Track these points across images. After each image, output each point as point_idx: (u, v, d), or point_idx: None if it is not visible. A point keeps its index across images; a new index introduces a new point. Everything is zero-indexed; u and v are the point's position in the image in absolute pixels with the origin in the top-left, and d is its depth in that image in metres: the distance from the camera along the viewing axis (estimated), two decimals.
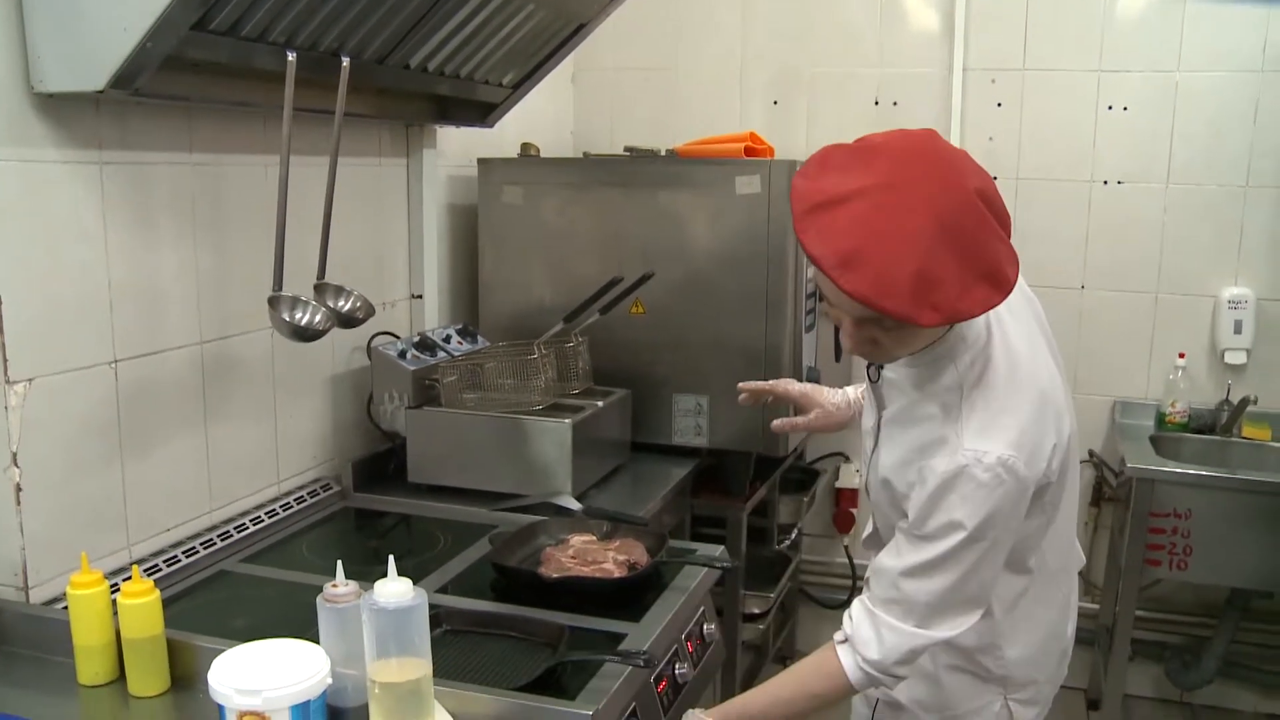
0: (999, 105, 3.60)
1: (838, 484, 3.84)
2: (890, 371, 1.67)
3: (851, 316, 1.50)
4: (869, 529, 1.91)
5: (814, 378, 2.96)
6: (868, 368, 1.72)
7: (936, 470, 1.54)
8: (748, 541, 3.15)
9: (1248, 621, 3.48)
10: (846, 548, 3.89)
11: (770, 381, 2.10)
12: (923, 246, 1.36)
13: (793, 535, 3.48)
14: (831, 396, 2.07)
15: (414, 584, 1.44)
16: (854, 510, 3.83)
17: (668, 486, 2.77)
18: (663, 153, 3.02)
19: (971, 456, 1.51)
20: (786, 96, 3.74)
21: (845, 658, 1.64)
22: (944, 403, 1.59)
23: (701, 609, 2.13)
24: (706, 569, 2.14)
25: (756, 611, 3.18)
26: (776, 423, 1.98)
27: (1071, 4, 3.50)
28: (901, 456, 1.65)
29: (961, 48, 3.58)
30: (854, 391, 2.12)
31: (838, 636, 1.67)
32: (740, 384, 2.09)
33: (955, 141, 3.58)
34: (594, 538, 2.20)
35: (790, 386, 2.07)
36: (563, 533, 2.23)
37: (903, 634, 1.58)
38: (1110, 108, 3.53)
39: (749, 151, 2.91)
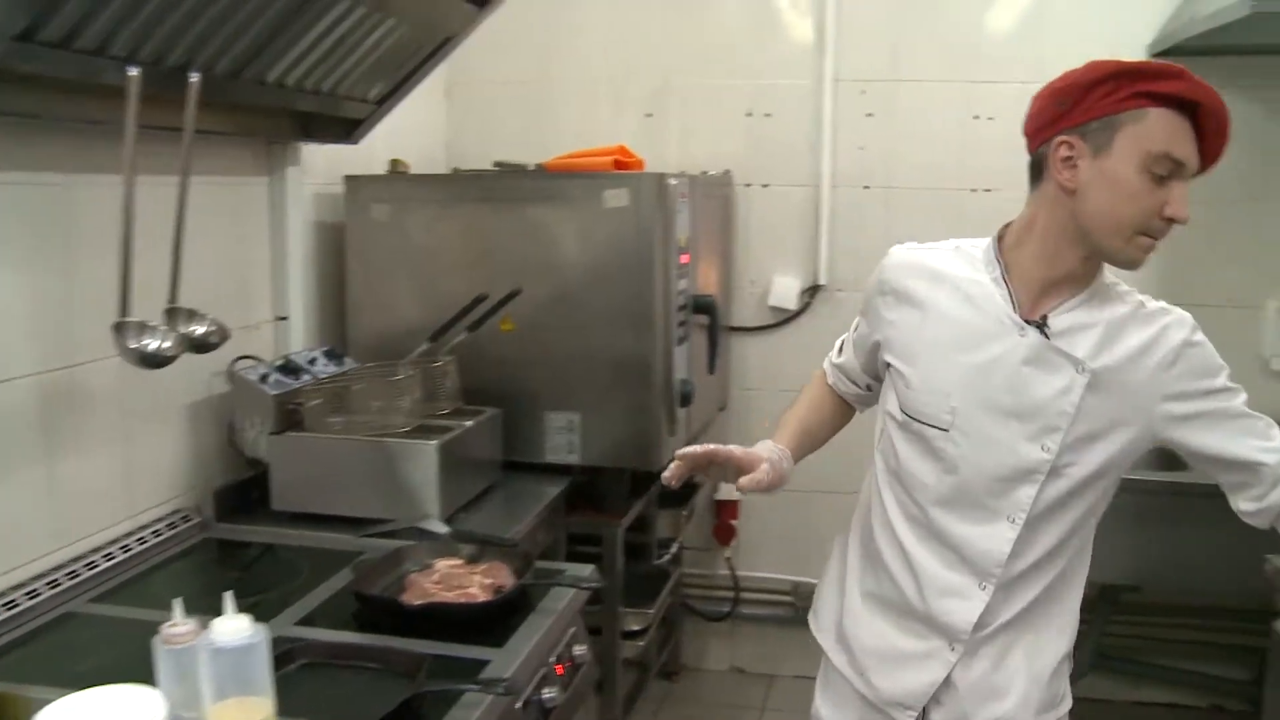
0: (870, 115, 3.64)
1: (717, 496, 3.84)
2: (1067, 317, 1.69)
3: (1191, 175, 1.61)
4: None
5: (688, 390, 2.95)
6: (1044, 325, 1.69)
7: (1178, 342, 1.68)
8: (627, 557, 3.13)
9: (1117, 615, 3.56)
10: (728, 560, 3.89)
11: (706, 447, 1.84)
12: None
13: (672, 549, 3.47)
14: (766, 452, 1.86)
15: (274, 616, 1.39)
16: (734, 522, 3.83)
17: (541, 505, 2.73)
18: (531, 167, 2.99)
19: (1184, 316, 1.71)
20: (660, 109, 3.74)
21: None
22: (1128, 301, 1.71)
23: (572, 630, 2.11)
24: (575, 590, 2.11)
25: (636, 629, 3.16)
26: (743, 481, 1.80)
27: (940, 16, 3.57)
28: (1129, 394, 1.68)
29: (832, 59, 3.62)
30: (773, 447, 1.90)
31: None
32: (678, 453, 1.85)
33: (826, 152, 3.63)
34: (461, 562, 2.15)
35: (732, 450, 1.84)
36: (428, 558, 2.18)
37: None
38: (978, 117, 3.59)
39: (618, 165, 2.90)
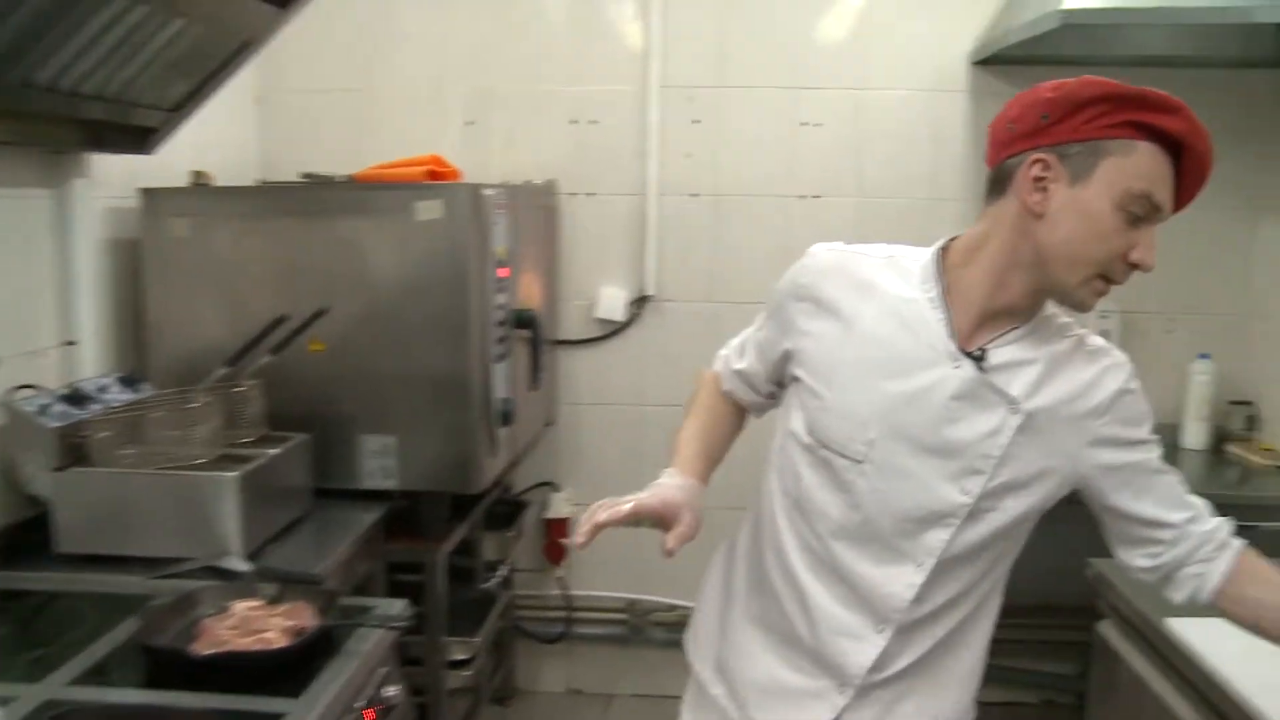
0: (697, 122, 3.60)
1: (546, 515, 3.74)
2: (1007, 350, 1.57)
3: (1163, 220, 1.50)
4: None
5: (508, 409, 2.85)
6: (982, 358, 1.55)
7: (1115, 390, 1.59)
8: (453, 582, 3.01)
9: None
10: (560, 579, 3.79)
11: (621, 510, 1.61)
12: None
13: (501, 572, 3.36)
14: (683, 496, 1.65)
15: (49, 674, 1.23)
16: (565, 541, 3.74)
17: (355, 534, 2.58)
18: (341, 179, 2.84)
19: (1124, 359, 1.62)
20: (482, 117, 3.63)
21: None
22: (1068, 335, 1.60)
23: (382, 670, 1.98)
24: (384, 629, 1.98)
25: (462, 657, 3.03)
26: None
27: (766, 23, 3.55)
28: (1059, 439, 1.58)
29: (659, 65, 3.57)
30: (683, 483, 1.69)
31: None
32: (596, 520, 1.61)
33: (653, 159, 3.57)
34: (261, 603, 2.00)
35: (650, 504, 1.62)
36: (226, 599, 2.02)
37: None
38: (804, 123, 3.58)
39: (432, 175, 2.78)
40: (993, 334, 1.56)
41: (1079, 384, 1.57)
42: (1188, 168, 1.46)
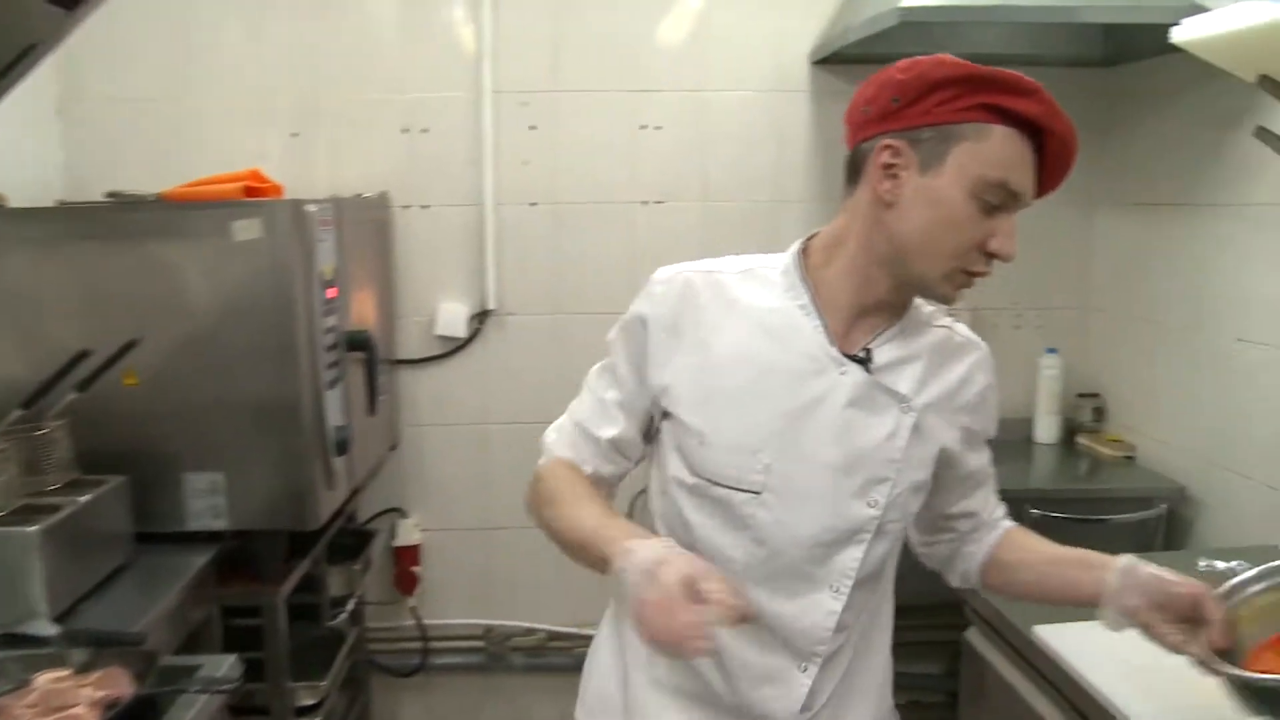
0: (533, 128, 3.47)
1: (395, 543, 3.56)
2: (888, 349, 1.50)
3: (1023, 208, 1.43)
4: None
5: (343, 438, 2.67)
6: (868, 360, 1.47)
7: (983, 386, 1.59)
8: (297, 622, 2.82)
9: None
10: (413, 609, 3.62)
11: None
12: None
13: (349, 607, 3.17)
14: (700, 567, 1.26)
15: None
16: (416, 569, 3.57)
17: (184, 581, 2.38)
18: (150, 198, 2.63)
19: (986, 349, 1.61)
20: (307, 127, 3.42)
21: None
22: (936, 324, 1.56)
23: None
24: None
25: (309, 703, 2.84)
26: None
27: (601, 24, 3.43)
28: (940, 433, 1.54)
29: (490, 69, 3.42)
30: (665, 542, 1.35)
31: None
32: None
33: (489, 167, 3.43)
34: (68, 672, 1.79)
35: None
36: (26, 671, 1.80)
37: None
38: (644, 127, 3.49)
39: (249, 192, 2.58)
40: (868, 333, 1.49)
41: (955, 378, 1.54)
42: (1051, 151, 1.40)
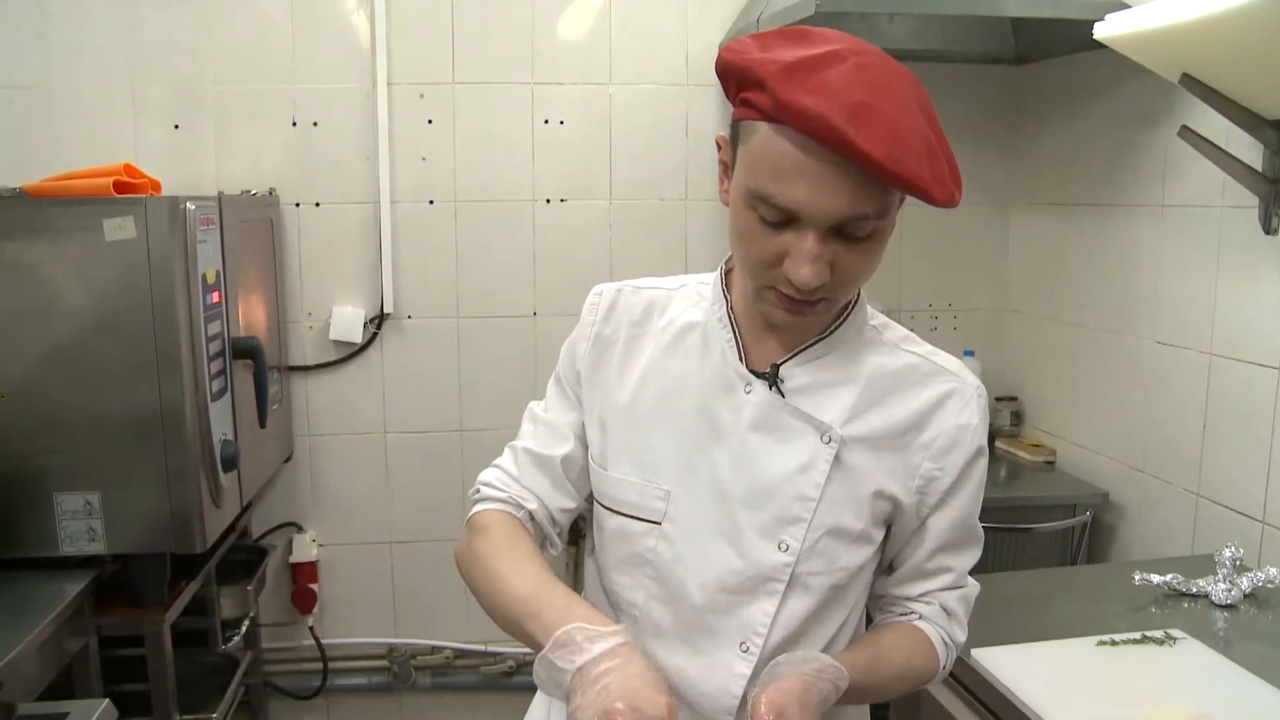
0: (430, 122, 3.31)
1: (292, 559, 3.37)
2: (809, 368, 1.31)
3: (821, 227, 1.14)
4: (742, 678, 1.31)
5: (230, 453, 2.50)
6: (774, 379, 1.29)
7: (953, 425, 1.32)
8: (188, 648, 2.70)
9: None
10: (312, 629, 3.45)
11: None
12: (918, 112, 1.12)
13: (242, 630, 2.99)
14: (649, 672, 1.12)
15: None
16: (314, 587, 3.39)
17: (54, 611, 2.20)
18: (10, 193, 2.42)
19: (976, 386, 1.35)
20: (190, 120, 3.21)
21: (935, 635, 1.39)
22: (900, 350, 1.35)
23: None
24: None
25: None
26: None
27: (498, 13, 3.28)
28: (890, 473, 1.31)
29: (385, 60, 3.25)
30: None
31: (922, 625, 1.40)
32: None
33: (384, 163, 3.26)
34: None
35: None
36: None
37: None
38: (547, 122, 3.36)
39: (121, 188, 2.39)
40: (785, 351, 1.32)
41: (909, 412, 1.31)
42: (854, 156, 1.07)
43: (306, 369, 3.33)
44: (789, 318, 1.23)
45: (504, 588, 1.25)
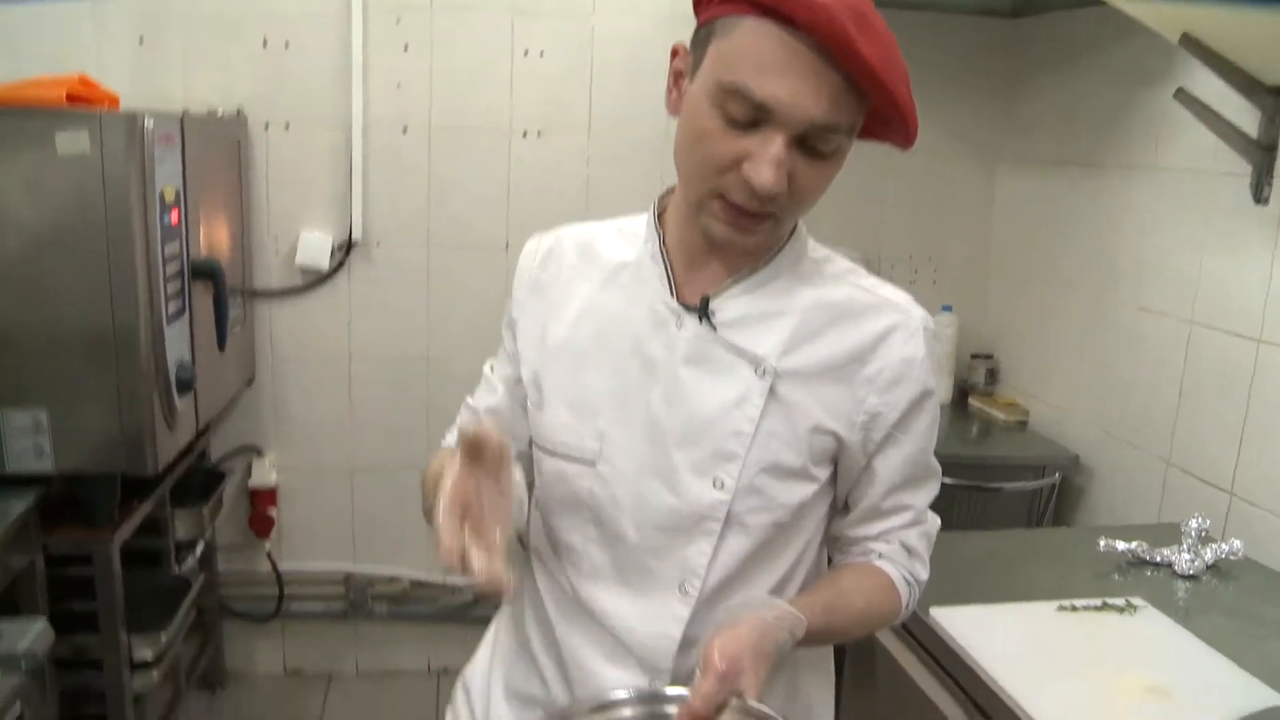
0: (406, 48, 3.21)
1: (251, 484, 3.33)
2: (741, 301, 1.26)
3: (792, 130, 1.10)
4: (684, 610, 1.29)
5: (185, 376, 2.45)
6: (704, 312, 1.24)
7: (898, 359, 1.26)
8: (141, 568, 2.67)
9: None
10: (269, 554, 3.41)
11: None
12: (898, 47, 1.11)
13: (197, 552, 2.95)
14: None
15: None
16: (273, 511, 3.35)
17: (1, 527, 2.16)
18: None
19: (921, 318, 1.30)
20: (155, 34, 3.09)
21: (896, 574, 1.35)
22: (840, 282, 1.30)
23: (14, 712, 1.60)
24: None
25: (148, 658, 2.63)
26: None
27: None
28: (830, 407, 1.26)
29: None
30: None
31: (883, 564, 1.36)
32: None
33: (358, 89, 3.17)
34: None
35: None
36: None
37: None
38: (527, 53, 3.27)
39: (74, 99, 2.30)
40: (715, 282, 1.27)
41: (849, 344, 1.26)
42: (857, 73, 1.07)
43: (271, 294, 3.26)
44: (731, 233, 1.18)
45: (427, 477, 1.33)
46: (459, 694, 1.53)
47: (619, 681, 1.28)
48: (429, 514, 1.22)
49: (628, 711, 1.18)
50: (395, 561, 3.50)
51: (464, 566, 1.02)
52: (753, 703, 1.10)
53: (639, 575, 1.29)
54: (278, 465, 3.37)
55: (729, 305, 1.26)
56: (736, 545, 1.27)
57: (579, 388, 1.30)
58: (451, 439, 1.42)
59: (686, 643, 1.26)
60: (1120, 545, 2.22)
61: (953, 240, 3.59)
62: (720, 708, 1.09)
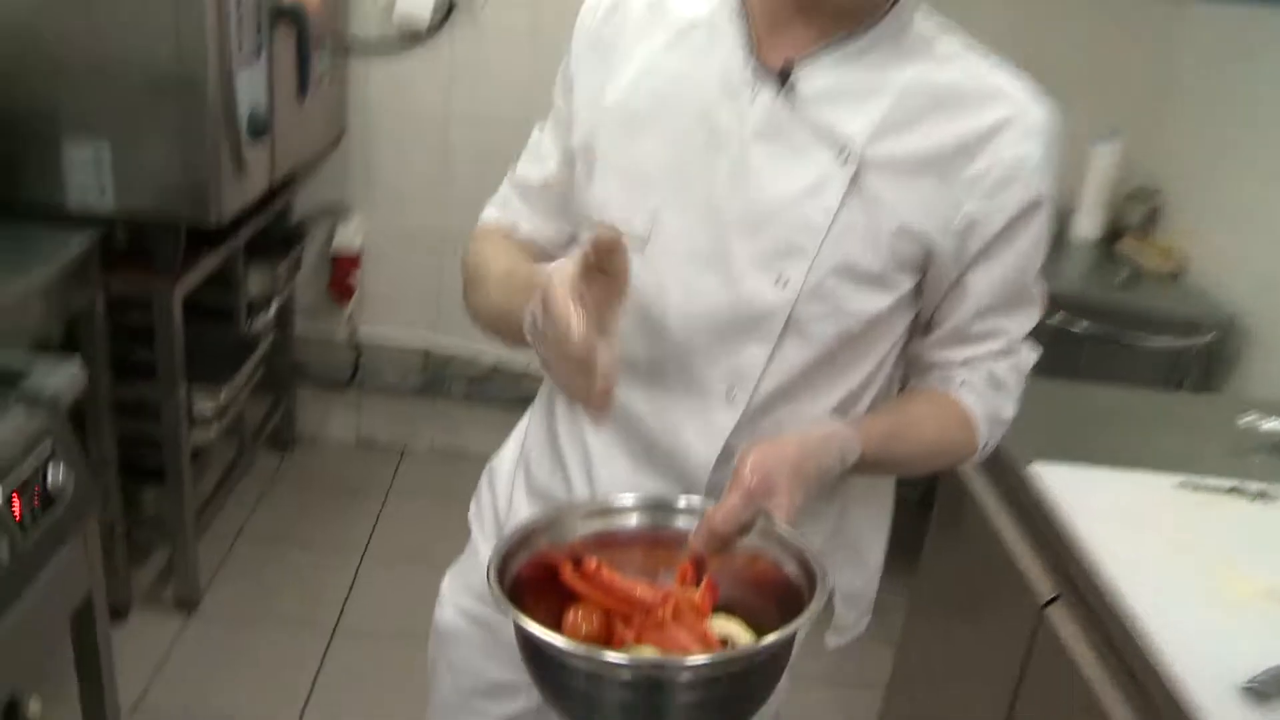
0: None
1: (334, 246, 3.20)
2: (831, 73, 1.06)
3: None
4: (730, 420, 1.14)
5: (259, 123, 2.28)
6: (785, 80, 1.05)
7: (1010, 157, 1.06)
8: (212, 324, 2.65)
9: None
10: (349, 320, 3.30)
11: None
12: None
13: (271, 310, 2.85)
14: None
15: None
16: (354, 277, 3.23)
17: (56, 265, 2.06)
18: None
19: (1045, 116, 1.08)
20: None
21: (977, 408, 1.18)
22: (951, 59, 1.08)
23: (44, 448, 1.51)
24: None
25: (207, 413, 2.57)
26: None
27: None
28: (922, 205, 1.06)
29: None
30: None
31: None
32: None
33: None
34: None
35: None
36: None
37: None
38: None
39: None
40: (811, 46, 1.06)
41: (953, 135, 1.06)
42: None
43: (368, 48, 3.04)
44: None
45: (487, 291, 1.19)
46: (484, 483, 1.42)
47: (646, 490, 1.14)
48: (480, 311, 1.21)
49: (631, 520, 1.07)
50: (478, 339, 3.36)
51: (588, 361, 0.90)
52: (781, 527, 0.97)
53: (680, 376, 1.14)
54: (364, 229, 3.23)
55: (815, 75, 1.05)
56: (795, 355, 1.10)
57: (633, 157, 1.11)
58: (492, 213, 1.30)
59: (727, 455, 1.11)
60: (1266, 425, 1.95)
61: (1128, 49, 3.05)
62: (745, 528, 0.97)
